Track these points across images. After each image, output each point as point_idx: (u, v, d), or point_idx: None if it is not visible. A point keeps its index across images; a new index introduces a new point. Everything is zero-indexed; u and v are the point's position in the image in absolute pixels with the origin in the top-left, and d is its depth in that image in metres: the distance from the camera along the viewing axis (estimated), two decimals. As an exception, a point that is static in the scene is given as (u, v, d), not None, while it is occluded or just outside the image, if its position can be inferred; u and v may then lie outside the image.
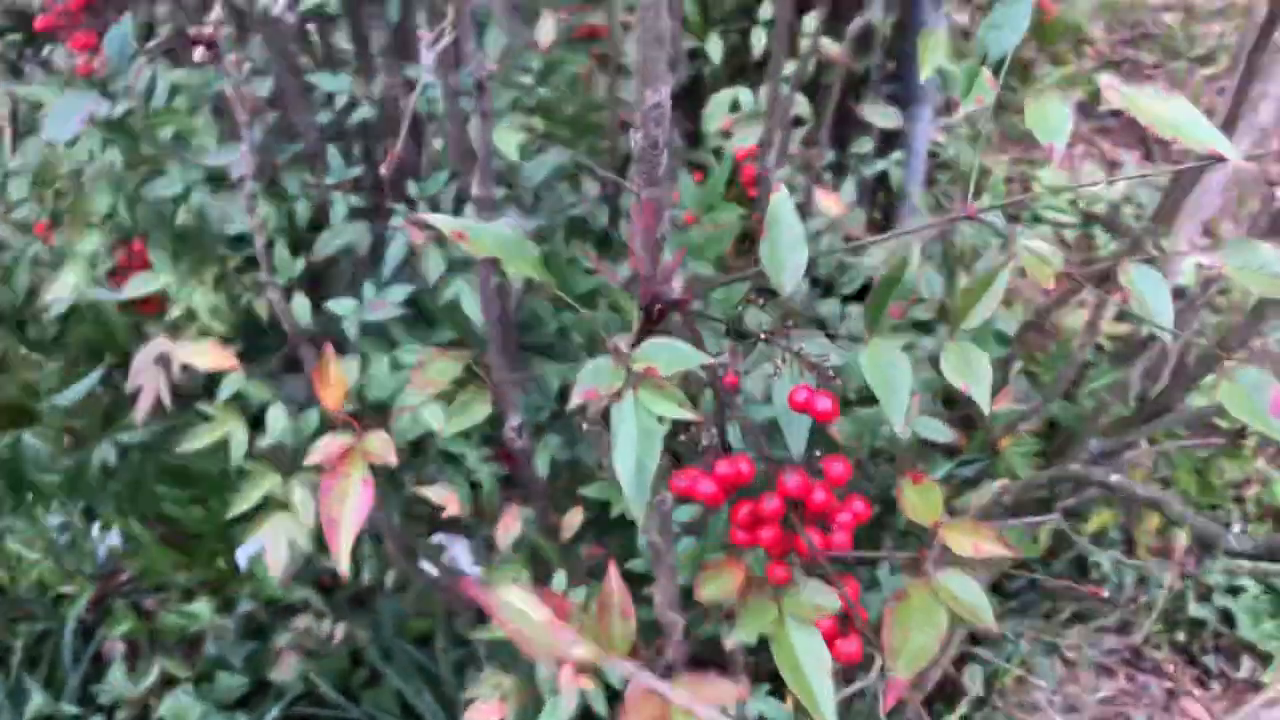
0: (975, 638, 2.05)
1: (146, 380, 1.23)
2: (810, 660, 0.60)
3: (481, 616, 1.40)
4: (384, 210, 1.29)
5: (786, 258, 0.64)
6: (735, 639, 0.61)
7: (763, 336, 0.67)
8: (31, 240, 1.56)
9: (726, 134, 1.70)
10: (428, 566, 2.02)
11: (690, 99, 1.91)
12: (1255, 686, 2.25)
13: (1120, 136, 3.60)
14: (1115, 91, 0.65)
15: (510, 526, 1.24)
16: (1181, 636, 2.30)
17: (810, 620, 0.61)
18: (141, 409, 1.23)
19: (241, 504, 1.20)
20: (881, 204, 2.46)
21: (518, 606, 0.51)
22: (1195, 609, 2.29)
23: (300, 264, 1.23)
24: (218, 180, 1.26)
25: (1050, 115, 0.67)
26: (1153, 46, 3.72)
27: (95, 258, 1.50)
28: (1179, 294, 2.66)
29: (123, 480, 1.58)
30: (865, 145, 2.18)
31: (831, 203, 1.62)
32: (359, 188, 1.30)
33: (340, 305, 1.22)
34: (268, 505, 1.19)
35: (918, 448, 1.37)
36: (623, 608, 0.56)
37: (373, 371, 1.18)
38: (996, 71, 0.70)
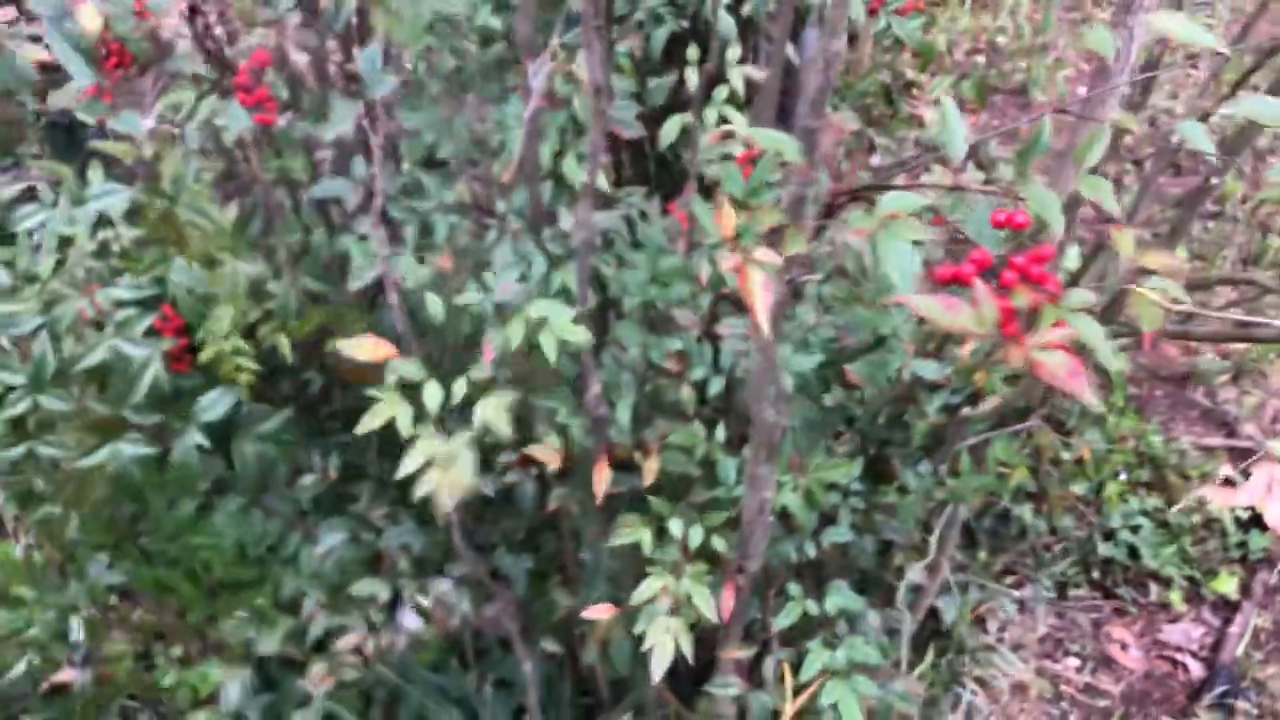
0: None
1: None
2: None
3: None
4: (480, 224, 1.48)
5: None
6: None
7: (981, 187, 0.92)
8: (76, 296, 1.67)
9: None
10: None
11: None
12: (1164, 607, 2.59)
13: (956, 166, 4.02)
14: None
15: (603, 476, 1.45)
16: (1096, 574, 2.63)
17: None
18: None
19: (408, 466, 1.35)
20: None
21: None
22: (1104, 548, 2.62)
23: (426, 270, 1.40)
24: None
25: (1103, 40, 0.94)
26: (969, 85, 4.17)
27: (131, 320, 1.63)
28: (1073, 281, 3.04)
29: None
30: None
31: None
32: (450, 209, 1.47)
33: (468, 296, 1.40)
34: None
35: (912, 385, 1.63)
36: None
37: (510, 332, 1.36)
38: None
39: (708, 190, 2.24)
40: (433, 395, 1.36)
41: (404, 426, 1.37)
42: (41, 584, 2.11)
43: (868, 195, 0.93)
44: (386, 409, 1.36)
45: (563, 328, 1.31)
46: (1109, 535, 2.65)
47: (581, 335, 1.31)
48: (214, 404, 1.59)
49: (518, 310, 1.34)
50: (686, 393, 1.63)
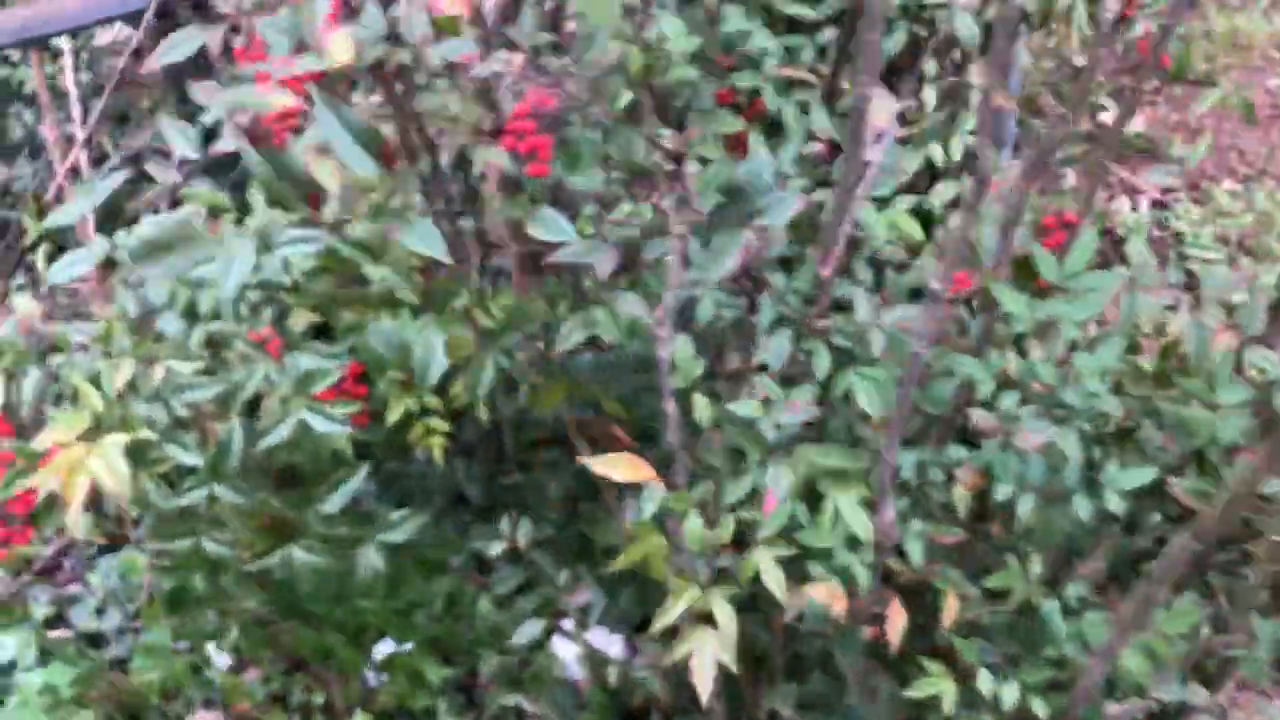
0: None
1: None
2: None
3: None
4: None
5: None
6: None
7: None
8: (259, 360, 1.45)
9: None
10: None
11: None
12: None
13: (1137, 164, 3.70)
14: None
15: (897, 623, 1.21)
16: (1319, 659, 2.35)
17: None
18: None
19: (665, 619, 1.16)
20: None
21: None
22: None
23: (701, 365, 1.16)
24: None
25: None
26: (1146, 73, 3.81)
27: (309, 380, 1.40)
28: None
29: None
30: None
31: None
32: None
33: (742, 407, 1.15)
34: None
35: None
36: None
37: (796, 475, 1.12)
38: None
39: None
40: (695, 535, 1.14)
41: (659, 569, 1.15)
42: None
43: None
44: (643, 545, 1.14)
45: (849, 509, 1.09)
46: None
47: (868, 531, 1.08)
48: (402, 524, 1.38)
49: (803, 452, 1.11)
50: (960, 493, 1.38)
